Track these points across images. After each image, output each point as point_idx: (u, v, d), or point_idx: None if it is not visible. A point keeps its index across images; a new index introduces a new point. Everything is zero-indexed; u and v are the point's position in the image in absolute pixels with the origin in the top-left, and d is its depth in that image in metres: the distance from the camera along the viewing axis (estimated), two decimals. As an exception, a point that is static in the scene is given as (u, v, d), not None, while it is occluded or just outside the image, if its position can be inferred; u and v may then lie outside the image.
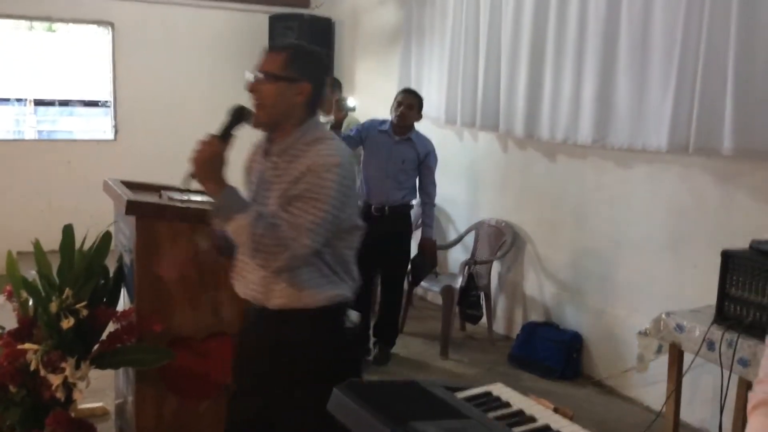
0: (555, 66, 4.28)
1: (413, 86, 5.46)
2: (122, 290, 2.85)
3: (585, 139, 4.09)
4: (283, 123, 1.97)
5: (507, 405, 1.38)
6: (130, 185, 2.98)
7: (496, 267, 5.05)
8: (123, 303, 2.84)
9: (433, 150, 4.41)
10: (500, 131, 4.82)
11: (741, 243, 3.01)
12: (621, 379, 4.01)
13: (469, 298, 4.72)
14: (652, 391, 3.54)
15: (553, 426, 1.29)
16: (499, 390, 1.45)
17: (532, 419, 1.32)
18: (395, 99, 4.36)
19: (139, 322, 2.52)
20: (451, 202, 5.57)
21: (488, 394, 1.43)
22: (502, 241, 4.90)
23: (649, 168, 3.90)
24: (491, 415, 1.32)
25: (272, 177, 1.98)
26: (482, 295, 4.81)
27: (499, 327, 5.06)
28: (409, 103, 4.31)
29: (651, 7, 3.65)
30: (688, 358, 3.09)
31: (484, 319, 4.86)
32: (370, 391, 1.32)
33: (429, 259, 4.46)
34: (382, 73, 6.23)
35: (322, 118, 5.22)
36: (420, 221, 4.55)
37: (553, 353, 4.31)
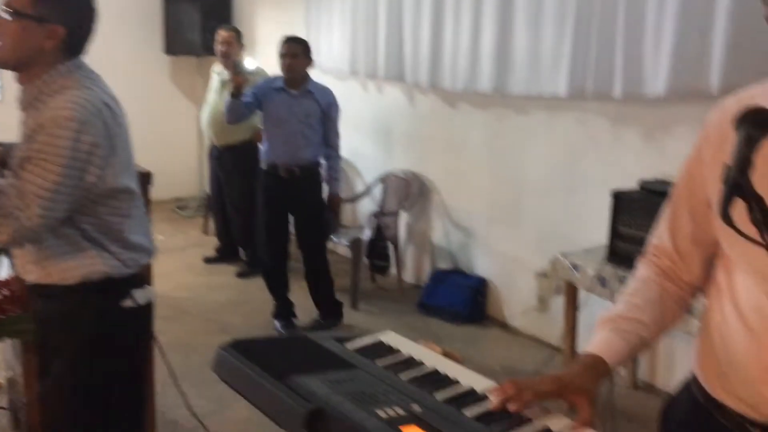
0: (455, 14, 4.27)
1: (318, 39, 5.37)
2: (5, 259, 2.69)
3: (485, 87, 4.12)
4: (29, 68, 1.73)
5: (396, 352, 1.38)
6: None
7: (404, 218, 5.09)
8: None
9: (335, 100, 4.25)
10: (407, 82, 4.79)
11: (632, 183, 3.14)
12: (524, 319, 4.15)
13: (378, 250, 4.76)
14: (552, 329, 3.68)
15: (440, 369, 1.30)
16: (390, 338, 1.45)
17: (421, 364, 1.33)
18: (279, 52, 4.12)
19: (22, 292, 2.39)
20: (358, 154, 5.54)
21: (379, 343, 1.43)
22: (409, 191, 4.93)
23: (547, 114, 3.99)
24: (380, 363, 1.32)
25: (21, 134, 1.74)
26: (390, 245, 4.85)
27: (408, 276, 5.12)
28: (293, 52, 4.05)
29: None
30: (586, 296, 3.23)
31: (393, 270, 4.92)
32: (254, 349, 1.29)
33: (336, 215, 4.38)
34: (286, 23, 6.06)
35: (218, 74, 5.11)
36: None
37: (460, 298, 4.41)
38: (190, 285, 5.01)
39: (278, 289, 4.30)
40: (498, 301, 4.45)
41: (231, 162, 5.11)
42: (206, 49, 6.26)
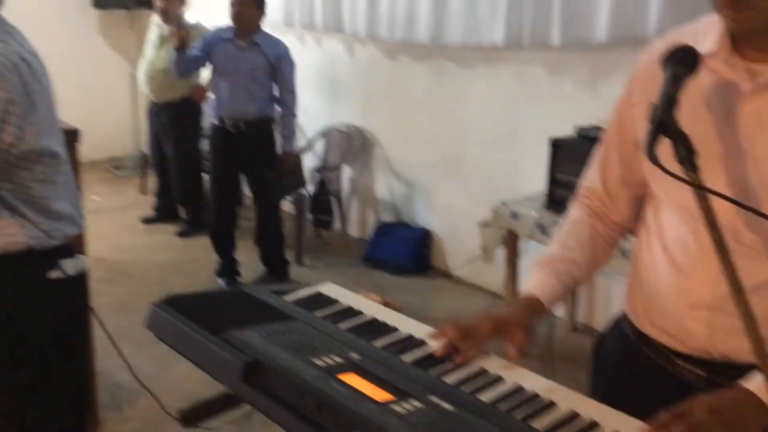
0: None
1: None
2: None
3: (423, 37, 4.08)
4: None
5: (335, 303, 1.37)
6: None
7: (347, 172, 5.06)
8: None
9: (287, 54, 4.07)
10: (345, 32, 4.70)
11: (570, 131, 3.17)
12: (467, 269, 4.21)
13: (321, 205, 4.73)
14: (495, 277, 3.74)
15: (379, 318, 1.30)
16: (329, 289, 1.45)
17: (360, 314, 1.33)
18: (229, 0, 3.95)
19: None
20: (300, 109, 5.44)
21: (317, 294, 1.42)
22: (351, 145, 4.89)
23: (486, 64, 3.98)
24: (319, 314, 1.32)
25: None
26: (334, 200, 4.83)
27: (352, 230, 5.12)
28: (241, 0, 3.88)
29: None
30: (527, 243, 3.28)
31: (338, 224, 4.90)
32: (189, 304, 1.27)
33: (291, 175, 4.22)
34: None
35: (158, 26, 4.91)
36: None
37: (405, 250, 4.44)
38: (129, 246, 4.90)
39: (224, 248, 4.25)
40: (442, 252, 4.49)
41: (170, 119, 4.96)
42: (138, 2, 6.02)
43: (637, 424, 0.95)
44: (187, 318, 1.20)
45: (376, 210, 4.97)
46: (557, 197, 3.02)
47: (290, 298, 1.39)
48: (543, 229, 3.07)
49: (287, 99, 4.11)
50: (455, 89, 4.21)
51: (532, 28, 3.47)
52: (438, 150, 4.41)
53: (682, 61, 1.00)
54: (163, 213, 5.38)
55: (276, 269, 4.29)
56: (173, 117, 4.94)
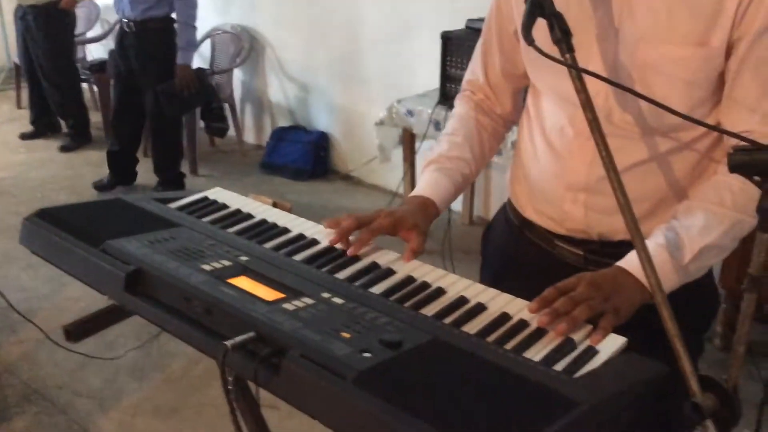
0: None
1: None
2: None
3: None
4: None
5: (223, 207, 1.33)
6: None
7: (237, 75, 4.87)
8: None
9: None
10: None
11: (460, 24, 3.15)
12: (366, 170, 4.21)
13: (213, 111, 4.55)
14: (394, 176, 3.77)
15: (270, 219, 1.28)
16: (216, 194, 1.40)
17: (249, 216, 1.30)
18: None
19: None
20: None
21: (204, 199, 1.37)
22: (239, 47, 4.69)
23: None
24: (206, 219, 1.28)
25: None
26: (227, 106, 4.66)
27: (249, 137, 5.00)
28: None
29: None
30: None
31: (233, 131, 4.76)
32: (65, 216, 1.20)
33: (187, 89, 3.94)
34: None
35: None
36: None
37: (302, 155, 4.39)
38: (9, 164, 4.60)
39: (120, 170, 4.06)
40: (340, 154, 4.46)
41: (37, 24, 4.57)
42: None
43: (523, 304, 0.98)
44: (63, 230, 1.14)
45: (272, 115, 4.85)
46: (450, 92, 3.02)
47: (175, 205, 1.34)
48: (438, 126, 3.09)
49: (178, 5, 3.83)
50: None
51: None
52: (331, 50, 4.30)
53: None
54: (42, 127, 5.05)
55: (171, 181, 4.16)
56: (41, 22, 4.55)
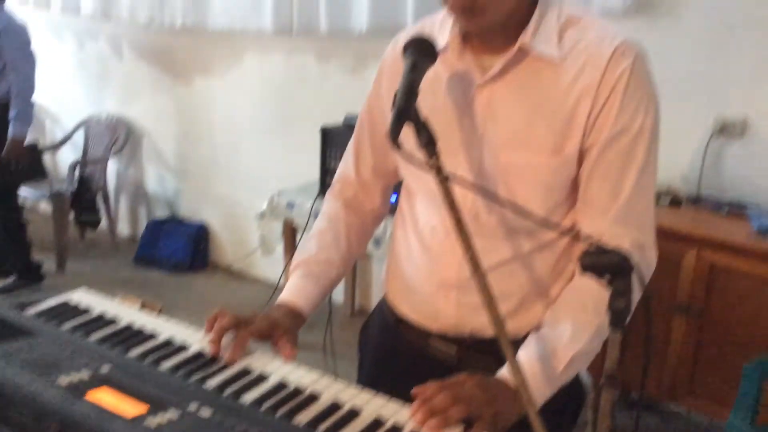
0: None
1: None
2: None
3: (175, 21, 3.90)
4: None
5: (85, 312, 1.26)
6: None
7: (113, 165, 4.73)
8: None
9: (13, 27, 3.72)
10: (53, 8, 4.31)
11: (339, 119, 3.23)
12: (247, 262, 4.14)
13: (85, 203, 4.38)
14: (275, 269, 3.72)
15: (136, 323, 1.22)
16: (79, 297, 1.33)
17: (113, 322, 1.23)
18: None
19: None
20: (55, 98, 5.00)
21: (64, 304, 1.29)
22: (115, 137, 4.58)
23: (257, 52, 3.92)
24: (65, 327, 1.20)
25: None
26: (99, 197, 4.50)
27: (123, 229, 4.82)
28: None
29: None
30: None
31: (105, 224, 4.58)
32: None
33: (14, 160, 3.75)
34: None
35: None
36: None
37: (180, 247, 4.26)
38: None
39: None
40: (220, 247, 4.38)
41: None
42: None
43: (398, 406, 0.98)
44: None
45: (148, 205, 4.72)
46: (329, 185, 3.05)
47: (33, 311, 1.26)
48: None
49: (13, 79, 3.73)
50: (226, 75, 4.10)
51: (299, 16, 3.46)
52: (212, 141, 4.28)
53: (421, 51, 1.04)
54: None
55: (24, 273, 3.90)
56: None
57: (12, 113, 3.72)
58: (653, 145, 1.09)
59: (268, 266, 3.94)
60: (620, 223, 1.08)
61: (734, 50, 2.53)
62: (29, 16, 4.74)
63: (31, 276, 3.92)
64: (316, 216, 3.06)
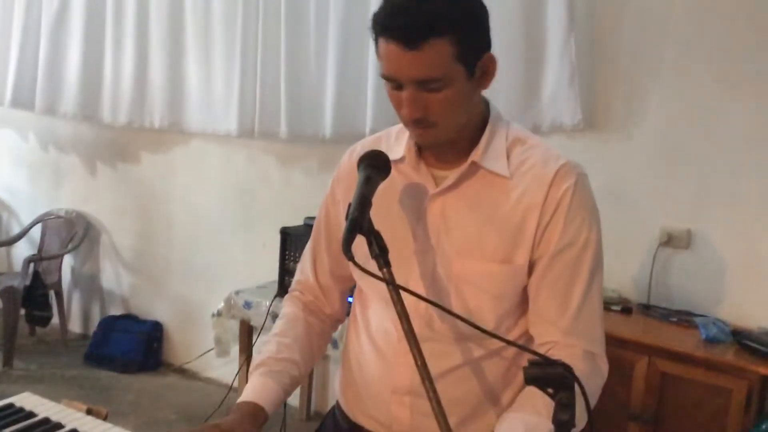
0: (115, 50, 4.05)
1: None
2: None
3: (155, 123, 3.99)
4: None
5: (31, 415, 1.24)
6: None
7: (69, 261, 4.66)
8: None
9: None
10: (36, 110, 4.36)
11: (299, 220, 3.27)
12: (201, 362, 4.05)
13: (37, 299, 4.27)
14: (230, 369, 3.65)
15: (81, 429, 1.19)
16: (24, 400, 1.30)
17: (59, 426, 1.21)
18: None
19: None
20: (13, 192, 4.98)
21: (9, 406, 1.27)
22: (73, 233, 4.54)
23: (220, 152, 3.98)
24: (9, 430, 1.17)
25: None
26: (52, 293, 4.40)
27: (75, 326, 4.69)
28: None
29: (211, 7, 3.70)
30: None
31: (57, 320, 4.46)
32: None
33: None
34: None
35: None
36: None
37: (133, 346, 4.16)
38: None
39: None
40: (174, 346, 4.28)
41: None
42: None
43: None
44: None
45: (102, 302, 4.62)
46: (288, 285, 3.04)
47: (-26, 414, 1.23)
48: (275, 318, 3.07)
49: None
50: (188, 174, 4.15)
51: (260, 121, 3.55)
52: (170, 237, 4.27)
53: (374, 165, 1.10)
54: None
55: None
56: None
57: None
58: (598, 257, 1.14)
59: (222, 366, 3.85)
60: (571, 333, 1.12)
61: (680, 165, 2.67)
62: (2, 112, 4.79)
63: None
64: (273, 316, 3.07)
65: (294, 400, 3.63)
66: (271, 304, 3.10)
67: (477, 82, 1.11)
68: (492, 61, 1.12)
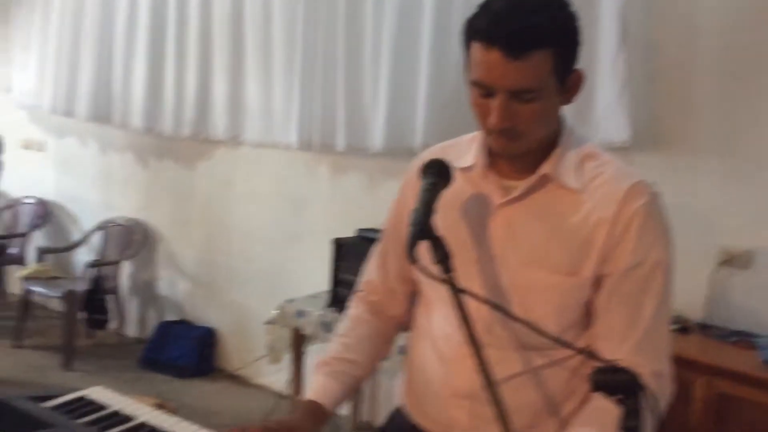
0: (178, 63, 4.20)
1: (22, 74, 4.99)
2: None
3: (217, 135, 4.11)
4: None
5: (101, 408, 1.29)
6: None
7: (127, 268, 4.80)
8: None
9: None
10: (115, 123, 4.56)
11: (351, 231, 3.31)
12: (253, 369, 4.11)
13: (96, 303, 4.42)
14: (281, 377, 3.69)
15: (152, 422, 1.24)
16: (96, 393, 1.35)
17: (129, 419, 1.25)
18: None
19: None
20: (75, 200, 5.15)
21: (81, 399, 1.32)
22: (132, 240, 4.68)
23: (275, 164, 4.07)
24: (81, 421, 1.22)
25: None
26: (111, 298, 4.54)
27: (131, 330, 4.82)
28: None
29: (271, 15, 3.79)
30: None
31: (115, 324, 4.60)
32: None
33: None
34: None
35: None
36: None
37: (187, 351, 4.25)
38: None
39: None
40: (227, 352, 4.36)
41: None
42: None
43: None
44: None
45: (158, 308, 4.74)
46: (340, 296, 3.10)
47: (50, 404, 1.29)
48: (327, 327, 3.12)
49: None
50: (243, 185, 4.24)
51: (320, 133, 3.63)
52: (225, 246, 4.36)
53: (437, 173, 1.12)
54: None
55: None
56: None
57: None
58: (668, 277, 1.14)
59: (273, 374, 3.91)
60: (639, 352, 1.11)
61: (741, 183, 2.62)
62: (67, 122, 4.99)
63: None
64: (324, 326, 3.11)
65: (344, 409, 3.66)
66: (322, 314, 3.14)
67: (565, 96, 1.12)
68: (580, 77, 1.13)
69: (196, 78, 4.13)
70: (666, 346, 1.15)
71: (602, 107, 2.76)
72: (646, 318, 1.12)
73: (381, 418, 3.71)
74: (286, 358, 3.47)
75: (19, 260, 5.07)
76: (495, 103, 1.07)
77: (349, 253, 3.05)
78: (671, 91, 2.75)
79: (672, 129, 2.76)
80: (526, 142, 1.11)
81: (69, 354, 4.23)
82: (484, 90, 1.09)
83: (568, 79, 1.10)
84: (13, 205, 5.34)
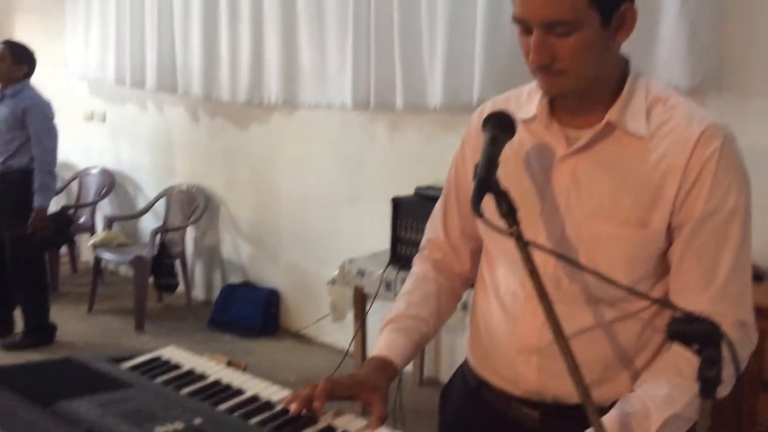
0: (231, 26, 4.23)
1: (80, 46, 5.09)
2: None
3: (271, 99, 4.13)
4: None
5: (176, 367, 1.33)
6: None
7: (190, 232, 4.92)
8: None
9: (34, 106, 3.95)
10: (178, 92, 4.64)
11: (410, 190, 3.30)
12: (317, 328, 4.19)
13: (164, 268, 4.55)
14: (345, 335, 3.75)
15: (224, 379, 1.27)
16: (170, 353, 1.39)
17: (202, 377, 1.29)
18: None
19: None
20: (138, 169, 5.29)
21: (157, 359, 1.36)
22: (194, 206, 4.78)
23: (329, 125, 4.07)
24: (158, 380, 1.26)
25: None
26: (177, 262, 4.67)
27: (198, 293, 4.96)
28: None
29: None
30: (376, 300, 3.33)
31: (182, 288, 4.74)
32: (13, 375, 1.18)
33: (42, 232, 3.96)
34: (47, 33, 5.59)
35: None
36: None
37: (252, 312, 4.36)
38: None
39: None
40: (291, 312, 4.45)
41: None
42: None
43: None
44: (11, 390, 1.11)
45: (223, 271, 4.86)
46: (400, 254, 3.11)
47: (127, 364, 1.33)
48: (389, 286, 3.14)
49: (36, 151, 3.95)
50: (299, 149, 4.27)
51: (375, 93, 3.61)
52: (283, 209, 4.42)
53: (499, 125, 1.09)
54: None
55: (31, 333, 4.05)
56: None
57: (35, 185, 3.93)
58: (747, 224, 1.10)
59: (337, 332, 3.97)
60: (719, 302, 1.08)
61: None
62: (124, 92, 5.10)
63: (40, 336, 4.06)
64: (386, 284, 3.13)
65: (408, 366, 3.70)
66: (383, 272, 3.16)
67: (613, 32, 1.07)
68: (632, 13, 1.08)
69: (251, 43, 4.14)
70: (748, 295, 1.11)
71: (668, 50, 2.66)
72: (725, 268, 1.08)
73: (444, 374, 3.76)
74: (349, 317, 3.52)
75: (89, 229, 5.26)
76: (532, 39, 1.06)
77: (409, 212, 3.05)
78: (750, 35, 2.62)
79: (741, 72, 2.64)
80: (572, 80, 1.08)
81: (140, 317, 4.39)
82: (523, 25, 1.07)
83: (615, 14, 1.05)
84: (79, 176, 5.51)
